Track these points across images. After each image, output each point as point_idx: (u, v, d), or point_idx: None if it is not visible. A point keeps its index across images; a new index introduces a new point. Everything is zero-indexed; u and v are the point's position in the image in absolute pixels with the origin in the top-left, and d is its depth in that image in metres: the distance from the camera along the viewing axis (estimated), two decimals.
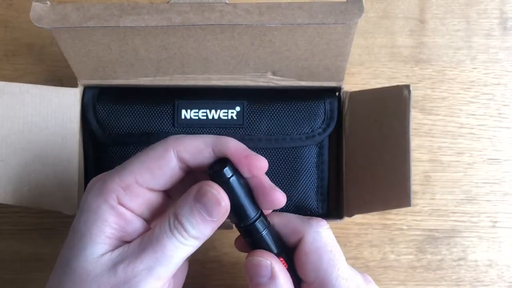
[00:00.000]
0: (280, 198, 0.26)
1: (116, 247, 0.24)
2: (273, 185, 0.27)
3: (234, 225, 0.28)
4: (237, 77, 0.37)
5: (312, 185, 0.38)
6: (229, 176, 0.25)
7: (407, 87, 0.32)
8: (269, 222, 0.29)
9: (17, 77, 0.43)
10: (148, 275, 0.23)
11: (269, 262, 0.27)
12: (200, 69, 0.36)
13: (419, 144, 0.42)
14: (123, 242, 0.25)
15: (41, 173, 0.35)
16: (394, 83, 0.43)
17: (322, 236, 0.29)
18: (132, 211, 0.25)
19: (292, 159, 0.38)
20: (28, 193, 0.35)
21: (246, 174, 0.26)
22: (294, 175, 0.38)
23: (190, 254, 0.25)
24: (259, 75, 0.37)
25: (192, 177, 0.27)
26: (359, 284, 0.29)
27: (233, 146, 0.25)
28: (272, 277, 0.27)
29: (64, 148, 0.36)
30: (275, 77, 0.37)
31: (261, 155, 0.37)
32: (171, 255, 0.24)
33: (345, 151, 0.38)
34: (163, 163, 0.25)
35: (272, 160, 0.38)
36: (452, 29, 0.44)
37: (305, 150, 0.38)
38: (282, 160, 0.38)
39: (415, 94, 0.43)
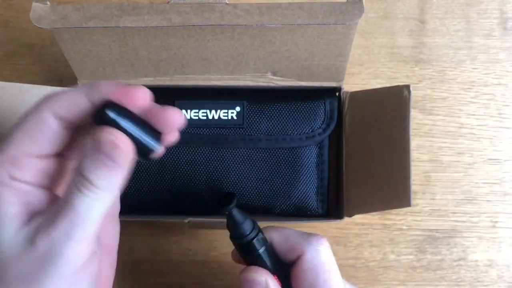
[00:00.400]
0: (174, 114, 0.24)
1: (30, 221, 0.23)
2: (165, 106, 0.25)
3: (229, 238, 0.30)
4: (237, 77, 0.37)
5: (312, 185, 0.38)
6: (114, 114, 0.23)
7: (407, 87, 0.32)
8: (266, 240, 0.30)
9: (17, 77, 0.43)
10: (68, 239, 0.22)
11: (263, 279, 0.28)
12: (200, 69, 0.36)
13: (419, 144, 0.42)
14: (35, 214, 0.23)
15: None
16: (394, 83, 0.43)
17: (321, 255, 0.29)
18: (29, 183, 0.24)
19: (292, 159, 0.38)
20: None
21: (133, 109, 0.24)
22: (294, 175, 0.38)
23: (105, 208, 0.24)
24: (259, 75, 0.37)
25: (83, 134, 0.25)
26: None
27: (104, 86, 0.24)
28: None
29: None
30: (275, 77, 0.37)
31: (261, 155, 0.38)
32: (85, 213, 0.22)
33: (345, 151, 0.38)
34: (42, 127, 0.23)
35: (272, 160, 0.38)
36: (452, 29, 0.44)
37: (305, 150, 0.38)
38: (282, 160, 0.38)
39: (415, 94, 0.43)
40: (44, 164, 0.24)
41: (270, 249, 0.30)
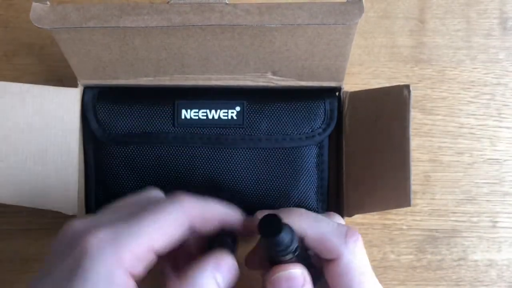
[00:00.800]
0: None
1: None
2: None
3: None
4: (237, 77, 0.37)
5: (312, 185, 0.38)
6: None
7: (407, 87, 0.32)
8: (298, 243, 0.27)
9: (17, 77, 0.43)
10: None
11: (300, 271, 0.27)
12: (200, 69, 0.36)
13: (419, 144, 0.42)
14: None
15: (41, 173, 0.35)
16: (394, 83, 0.43)
17: (357, 257, 0.28)
18: (138, 279, 0.23)
19: (292, 159, 0.38)
20: (28, 193, 0.35)
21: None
22: (294, 175, 0.38)
23: None
24: (259, 75, 0.37)
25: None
26: None
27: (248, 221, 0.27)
28: (305, 283, 0.27)
29: (64, 148, 0.36)
30: (275, 77, 0.37)
31: (261, 155, 0.38)
32: None
33: (345, 151, 0.38)
34: (178, 230, 0.24)
35: (272, 160, 0.38)
36: (452, 29, 0.44)
37: (305, 150, 0.38)
38: (282, 160, 0.38)
39: (415, 94, 0.43)
40: (153, 259, 0.24)
41: (301, 249, 0.28)
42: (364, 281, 0.28)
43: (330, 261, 0.28)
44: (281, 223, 0.25)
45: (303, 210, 0.29)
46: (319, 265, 0.29)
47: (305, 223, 0.28)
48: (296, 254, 0.27)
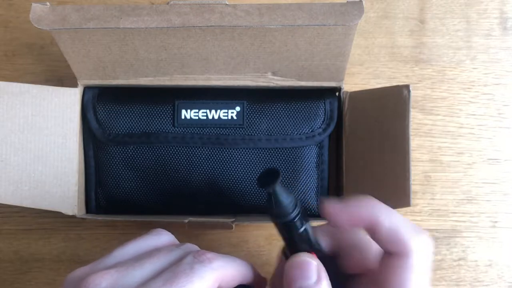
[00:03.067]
0: None
1: None
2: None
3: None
4: (237, 77, 0.37)
5: (312, 185, 0.38)
6: None
7: (407, 87, 0.32)
8: (308, 219, 0.27)
9: (17, 77, 0.43)
10: None
11: (315, 263, 0.26)
12: (200, 69, 0.36)
13: (419, 144, 0.42)
14: None
15: (41, 173, 0.35)
16: (394, 83, 0.43)
17: (424, 258, 0.26)
18: None
19: (292, 159, 0.38)
20: (28, 193, 0.35)
21: None
22: (294, 175, 0.38)
23: None
24: (259, 75, 0.37)
25: None
26: None
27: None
28: (319, 279, 0.25)
29: (64, 148, 0.36)
30: (275, 77, 0.37)
31: (261, 155, 0.38)
32: None
33: (345, 151, 0.38)
34: None
35: (272, 160, 0.38)
36: (452, 29, 0.44)
37: (305, 150, 0.38)
38: (282, 160, 0.38)
39: (415, 94, 0.43)
40: None
41: (311, 228, 0.28)
42: (422, 284, 0.26)
43: (391, 254, 0.26)
44: (279, 173, 0.25)
45: (374, 198, 0.28)
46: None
47: (379, 210, 0.27)
48: (299, 216, 0.27)
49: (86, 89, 0.38)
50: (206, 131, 0.37)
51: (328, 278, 0.26)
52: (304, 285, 0.25)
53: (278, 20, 0.31)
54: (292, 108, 0.38)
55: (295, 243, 0.27)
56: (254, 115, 0.38)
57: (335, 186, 0.39)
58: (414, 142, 0.42)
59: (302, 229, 0.27)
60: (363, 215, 0.26)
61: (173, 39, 0.33)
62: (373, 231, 0.26)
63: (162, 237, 0.29)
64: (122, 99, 0.38)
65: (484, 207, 0.42)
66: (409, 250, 0.26)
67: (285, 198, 0.26)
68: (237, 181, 0.38)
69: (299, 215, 0.27)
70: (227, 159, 0.37)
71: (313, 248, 0.27)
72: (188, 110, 0.37)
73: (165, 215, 0.38)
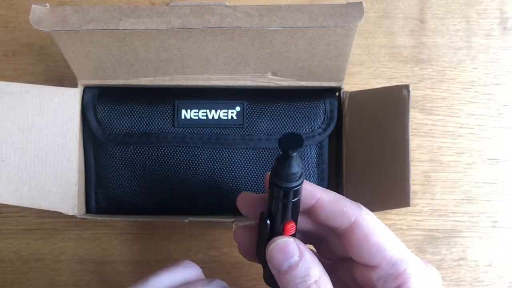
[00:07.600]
0: None
1: None
2: None
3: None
4: (237, 77, 0.37)
5: None
6: None
7: (407, 87, 0.32)
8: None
9: (17, 77, 0.43)
10: None
11: (293, 240, 0.27)
12: (200, 70, 0.36)
13: (419, 144, 0.42)
14: None
15: (41, 173, 0.35)
16: (394, 83, 0.43)
17: (374, 218, 0.27)
18: None
19: None
20: (28, 193, 0.35)
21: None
22: None
23: None
24: (259, 75, 0.37)
25: None
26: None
27: None
28: (301, 254, 0.26)
29: (64, 148, 0.36)
30: (275, 77, 0.37)
31: (261, 155, 0.38)
32: None
33: (345, 151, 0.38)
34: None
35: (272, 160, 0.38)
36: (452, 29, 0.44)
37: (305, 150, 0.38)
38: None
39: (415, 94, 0.43)
40: None
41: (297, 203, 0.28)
42: (389, 235, 0.27)
43: (345, 229, 0.27)
44: (302, 138, 0.25)
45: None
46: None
47: (320, 189, 0.28)
48: (300, 185, 0.27)
49: (86, 89, 0.38)
50: (206, 131, 0.37)
51: (308, 249, 0.27)
52: (291, 264, 0.26)
53: (278, 22, 0.30)
54: (292, 108, 0.38)
55: (286, 209, 0.27)
56: (254, 115, 0.38)
57: (335, 186, 0.39)
58: (414, 142, 0.42)
59: (297, 198, 0.27)
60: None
61: (173, 40, 0.33)
62: (315, 209, 0.28)
63: (192, 270, 0.30)
64: (122, 99, 0.38)
65: (484, 207, 0.42)
66: (355, 217, 0.27)
67: (298, 165, 0.26)
68: (237, 181, 0.38)
69: (301, 184, 0.27)
70: (227, 159, 0.37)
71: (295, 220, 0.28)
72: (188, 110, 0.37)
73: (165, 215, 0.38)
